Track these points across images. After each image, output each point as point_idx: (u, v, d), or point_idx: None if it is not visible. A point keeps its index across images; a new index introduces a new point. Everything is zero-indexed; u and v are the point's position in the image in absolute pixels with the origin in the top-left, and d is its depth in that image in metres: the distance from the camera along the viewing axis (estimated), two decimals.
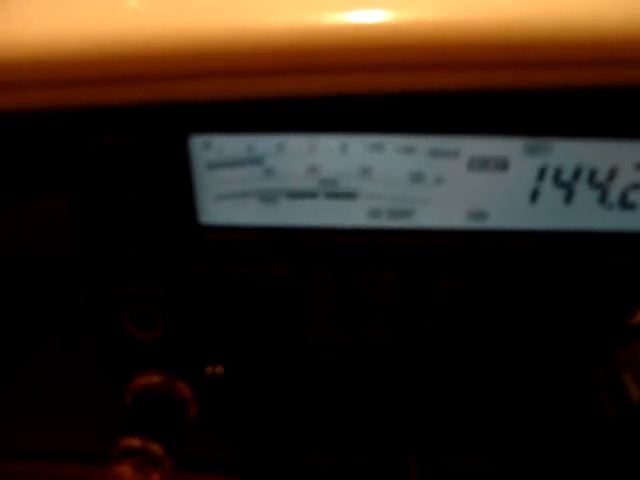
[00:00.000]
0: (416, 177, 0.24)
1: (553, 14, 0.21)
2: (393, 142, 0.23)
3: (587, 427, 0.26)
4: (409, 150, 0.24)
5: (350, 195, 0.25)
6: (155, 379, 0.28)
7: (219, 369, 0.28)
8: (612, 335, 0.26)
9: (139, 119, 0.23)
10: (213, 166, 0.24)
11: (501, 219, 0.25)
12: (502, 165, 0.24)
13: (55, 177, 0.26)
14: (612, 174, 0.24)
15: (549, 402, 0.28)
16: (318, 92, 0.22)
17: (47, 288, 0.31)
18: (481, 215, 0.25)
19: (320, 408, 0.30)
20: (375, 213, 0.25)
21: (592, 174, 0.24)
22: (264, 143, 0.24)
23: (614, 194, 0.25)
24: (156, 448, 0.26)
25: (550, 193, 0.25)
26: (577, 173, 0.24)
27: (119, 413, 0.29)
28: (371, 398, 0.29)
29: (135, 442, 0.26)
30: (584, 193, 0.25)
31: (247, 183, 0.25)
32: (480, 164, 0.24)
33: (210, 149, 0.24)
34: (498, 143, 0.23)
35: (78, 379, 0.33)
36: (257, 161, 0.24)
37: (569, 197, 0.25)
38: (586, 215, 0.25)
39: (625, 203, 0.25)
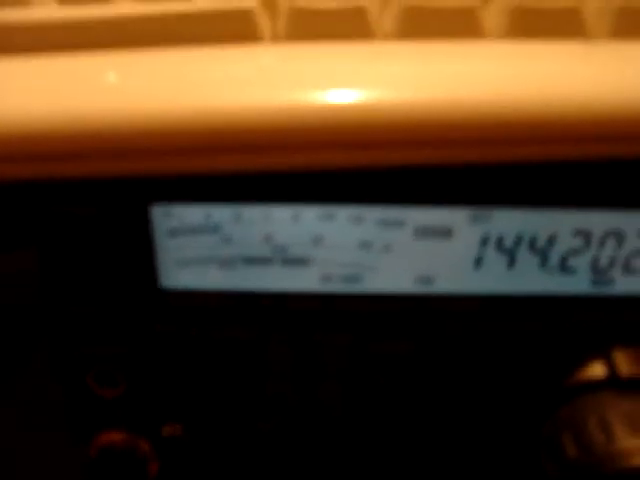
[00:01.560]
0: (365, 245, 0.25)
1: (501, 94, 0.22)
2: (343, 212, 0.25)
3: None
4: (358, 220, 0.25)
5: (303, 261, 0.26)
6: (117, 437, 0.29)
7: (177, 429, 0.29)
8: (554, 395, 0.27)
9: (103, 190, 0.24)
10: (173, 233, 0.25)
11: (447, 284, 0.26)
12: (446, 233, 0.25)
13: (25, 234, 0.27)
14: (551, 241, 0.25)
15: (499, 460, 0.29)
16: (270, 167, 0.23)
17: (18, 339, 0.31)
18: (428, 280, 0.26)
19: (277, 463, 0.31)
20: (327, 278, 0.26)
21: (532, 241, 0.25)
22: (221, 212, 0.25)
23: (554, 259, 0.26)
24: None
25: (493, 259, 0.26)
26: (518, 240, 0.25)
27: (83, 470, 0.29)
28: (327, 453, 0.30)
29: None
30: (525, 259, 0.26)
31: (206, 249, 0.26)
32: (426, 233, 0.25)
33: (170, 217, 0.25)
34: (442, 213, 0.25)
35: (45, 428, 0.33)
36: (215, 229, 0.25)
37: (511, 262, 0.26)
38: (528, 279, 0.26)
39: (565, 268, 0.26)
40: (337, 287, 0.26)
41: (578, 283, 0.26)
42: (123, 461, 0.29)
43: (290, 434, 0.30)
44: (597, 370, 0.26)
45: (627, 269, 0.26)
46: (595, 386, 0.26)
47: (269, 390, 0.28)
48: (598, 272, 0.26)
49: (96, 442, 0.29)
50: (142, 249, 0.26)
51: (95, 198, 0.25)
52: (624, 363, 0.26)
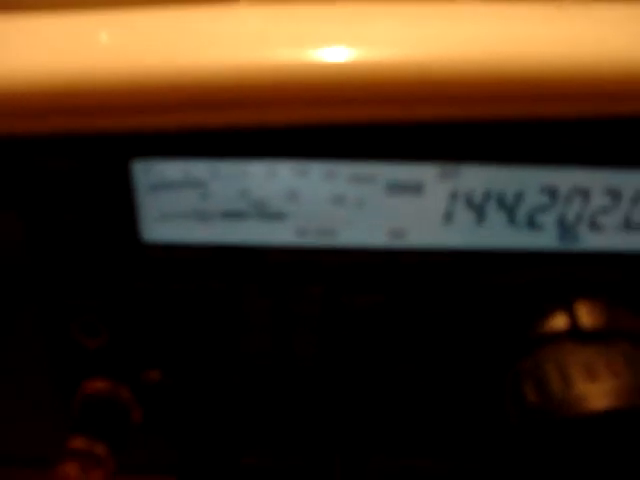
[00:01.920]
0: (338, 200, 0.26)
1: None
2: (316, 168, 0.26)
3: (496, 432, 0.28)
4: (331, 175, 0.26)
5: (279, 215, 0.27)
6: (101, 385, 0.30)
7: (156, 375, 0.30)
8: (518, 345, 0.28)
9: (86, 146, 0.25)
10: (154, 188, 0.26)
11: (418, 238, 0.27)
12: (417, 189, 0.26)
13: (6, 195, 0.27)
14: (519, 197, 0.26)
15: (463, 407, 0.30)
16: (246, 124, 0.24)
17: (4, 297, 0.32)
18: (399, 234, 0.27)
19: (254, 411, 0.32)
20: (302, 232, 0.27)
21: (500, 197, 0.26)
22: (200, 168, 0.26)
23: (522, 215, 0.27)
24: (100, 449, 0.28)
25: (463, 214, 0.27)
26: (486, 196, 0.26)
27: (67, 419, 0.30)
28: (301, 401, 0.31)
29: (80, 443, 0.28)
30: (494, 214, 0.27)
31: (185, 204, 0.27)
32: (397, 188, 0.26)
33: (151, 173, 0.26)
34: (412, 169, 0.26)
35: (28, 387, 0.34)
36: (194, 184, 0.26)
37: (480, 218, 0.27)
38: (497, 235, 0.27)
39: (532, 223, 0.27)
40: (312, 241, 0.27)
41: (545, 239, 0.27)
42: (107, 409, 0.30)
43: (266, 381, 0.31)
44: (560, 322, 0.27)
45: (592, 226, 0.27)
46: (557, 337, 0.27)
47: (245, 339, 0.29)
48: (564, 228, 0.27)
49: (81, 391, 0.30)
50: (124, 204, 0.27)
51: (78, 153, 0.26)
52: (585, 315, 0.27)
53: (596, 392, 0.25)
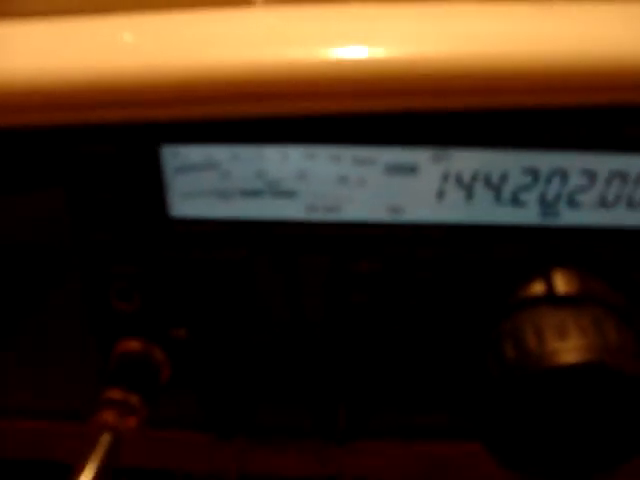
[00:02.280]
0: (342, 180, 0.29)
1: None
2: (323, 152, 0.29)
3: (481, 387, 0.31)
4: (336, 158, 0.29)
5: (290, 194, 0.30)
6: (134, 344, 0.34)
7: (182, 333, 0.34)
8: (500, 309, 0.31)
9: (121, 134, 0.28)
10: (180, 170, 0.29)
11: (414, 213, 0.30)
12: (412, 170, 0.29)
13: (56, 174, 0.31)
14: (503, 177, 0.29)
15: (453, 364, 0.34)
16: (262, 114, 0.28)
17: (43, 270, 0.34)
18: (397, 210, 0.30)
19: (269, 368, 0.35)
20: (311, 208, 0.30)
21: (487, 177, 0.29)
22: (221, 152, 0.29)
23: (506, 194, 0.29)
24: (134, 399, 0.32)
25: (453, 193, 0.29)
26: (474, 177, 0.29)
27: (104, 375, 0.34)
28: (311, 359, 0.34)
29: (116, 394, 0.32)
30: (481, 193, 0.29)
31: (207, 184, 0.29)
32: (394, 169, 0.29)
33: (177, 157, 0.29)
34: (408, 152, 0.28)
35: (68, 349, 0.37)
36: (215, 166, 0.29)
37: (469, 196, 0.29)
38: (484, 211, 0.30)
39: (516, 201, 0.30)
40: (319, 216, 0.30)
41: (527, 215, 0.30)
42: (139, 365, 0.33)
43: (279, 340, 0.34)
44: (537, 288, 0.30)
45: (571, 203, 0.30)
46: (535, 302, 0.30)
47: (260, 302, 0.32)
48: (545, 205, 0.30)
49: (117, 349, 0.34)
50: (154, 184, 0.30)
51: (115, 140, 0.29)
52: (560, 283, 0.30)
53: (566, 348, 0.28)
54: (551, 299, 0.29)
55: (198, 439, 0.41)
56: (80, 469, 0.29)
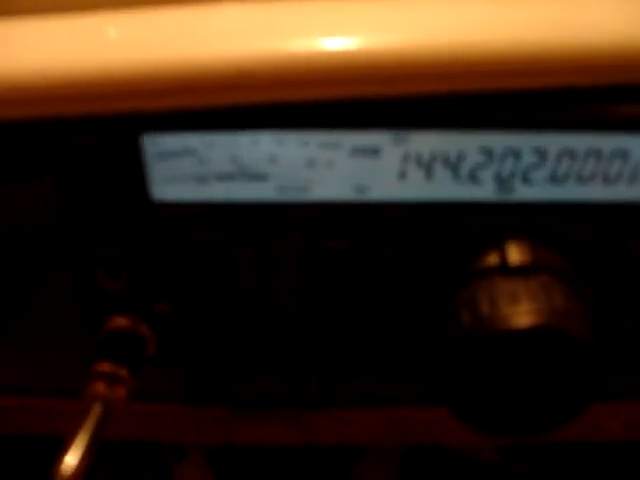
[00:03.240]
0: (311, 163, 0.31)
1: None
2: (292, 137, 0.30)
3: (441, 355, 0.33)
4: (304, 143, 0.31)
5: (262, 176, 0.31)
6: (122, 320, 0.35)
7: (166, 307, 0.36)
8: (457, 279, 0.33)
9: (105, 124, 0.30)
10: (160, 157, 0.31)
11: (378, 193, 0.32)
12: (375, 152, 0.31)
13: (45, 163, 0.32)
14: (460, 157, 0.31)
15: (415, 332, 0.36)
16: (234, 102, 0.30)
17: (37, 256, 0.36)
18: (362, 190, 0.32)
19: (246, 341, 0.37)
20: (281, 189, 0.32)
21: (445, 157, 0.31)
22: (197, 139, 0.31)
23: (464, 172, 0.31)
24: (123, 371, 0.34)
25: (414, 173, 0.31)
26: (433, 157, 0.31)
27: (93, 351, 0.36)
28: (286, 332, 0.36)
29: (106, 367, 0.34)
30: (440, 172, 0.31)
31: (185, 169, 0.31)
32: (358, 152, 0.31)
33: (157, 144, 0.31)
34: (371, 136, 0.30)
35: (62, 331, 0.39)
36: (193, 152, 0.31)
37: (429, 175, 0.31)
38: (444, 189, 0.32)
39: (473, 178, 0.31)
40: (289, 196, 0.32)
41: (484, 191, 0.32)
42: (127, 340, 0.36)
43: (255, 314, 0.36)
44: (492, 259, 0.32)
45: (525, 180, 0.32)
46: (489, 272, 0.32)
47: (237, 278, 0.34)
48: (501, 182, 0.32)
49: (105, 326, 0.36)
50: (136, 170, 0.31)
51: (98, 131, 0.31)
52: (513, 254, 0.32)
53: (517, 312, 0.30)
54: (504, 269, 0.31)
55: (184, 411, 0.43)
56: (73, 437, 0.31)
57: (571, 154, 0.31)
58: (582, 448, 0.60)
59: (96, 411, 0.32)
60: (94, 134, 0.30)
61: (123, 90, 0.29)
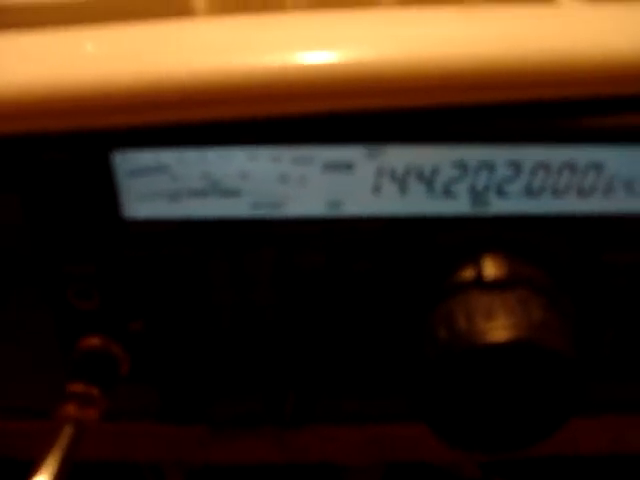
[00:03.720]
0: (283, 178, 0.31)
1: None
2: (264, 152, 0.30)
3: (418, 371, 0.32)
4: (277, 158, 0.31)
5: (235, 192, 0.31)
6: (95, 341, 0.35)
7: (139, 325, 0.35)
8: (434, 294, 0.32)
9: (75, 141, 0.30)
10: (131, 174, 0.31)
11: (352, 208, 0.31)
12: (348, 167, 0.30)
13: (10, 181, 0.32)
14: (434, 171, 0.31)
15: (393, 346, 0.36)
16: (205, 118, 0.29)
17: (4, 274, 0.35)
18: (336, 205, 0.32)
19: (222, 358, 0.37)
20: (254, 205, 0.31)
21: (419, 172, 0.31)
22: (168, 156, 0.31)
23: (438, 186, 0.31)
24: (95, 391, 0.34)
25: (388, 187, 0.31)
26: (407, 171, 0.30)
27: (66, 371, 0.35)
28: (262, 349, 0.36)
29: (78, 387, 0.34)
30: (415, 186, 0.31)
31: (158, 186, 0.31)
32: (331, 167, 0.30)
33: (128, 161, 0.30)
34: (344, 151, 0.30)
35: (30, 349, 0.38)
36: (165, 169, 0.31)
37: (403, 190, 0.31)
38: (418, 203, 0.31)
39: (448, 193, 0.32)
40: (263, 212, 0.32)
41: (459, 205, 0.32)
42: (100, 360, 0.35)
43: (231, 331, 0.36)
44: (468, 274, 0.32)
45: (499, 193, 0.32)
46: (465, 286, 0.32)
47: (211, 295, 0.34)
48: (475, 196, 0.31)
49: (78, 346, 0.36)
50: (107, 187, 0.31)
51: (69, 147, 0.30)
52: (489, 268, 0.32)
53: (494, 327, 0.30)
54: (480, 284, 0.31)
55: (161, 430, 0.42)
56: (43, 460, 0.30)
57: (546, 167, 0.31)
58: (566, 463, 0.60)
59: (67, 432, 0.32)
60: (64, 151, 0.30)
61: (93, 106, 0.28)
